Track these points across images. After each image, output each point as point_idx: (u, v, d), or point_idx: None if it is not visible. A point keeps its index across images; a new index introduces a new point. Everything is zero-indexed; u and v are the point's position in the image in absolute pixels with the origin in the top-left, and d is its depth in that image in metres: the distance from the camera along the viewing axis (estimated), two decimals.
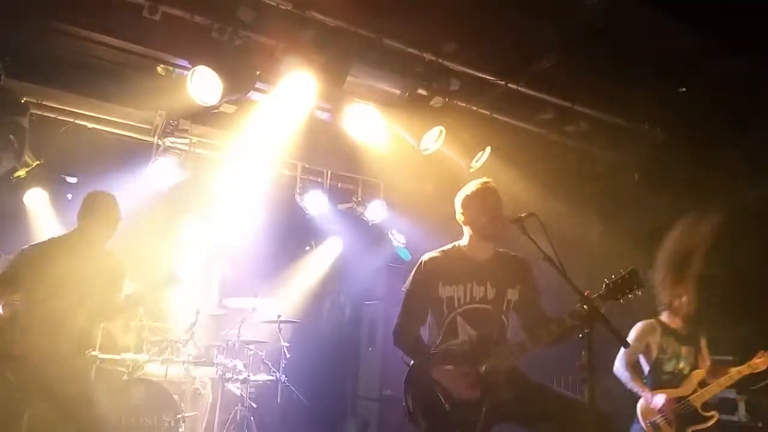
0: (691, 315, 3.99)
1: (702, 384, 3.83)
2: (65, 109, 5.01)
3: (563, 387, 5.47)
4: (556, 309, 2.90)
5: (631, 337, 3.98)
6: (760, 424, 4.27)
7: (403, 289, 3.03)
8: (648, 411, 3.80)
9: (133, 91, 4.80)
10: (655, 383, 3.92)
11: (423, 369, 2.84)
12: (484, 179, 3.04)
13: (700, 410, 3.76)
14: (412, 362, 2.92)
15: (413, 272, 3.01)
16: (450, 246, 3.06)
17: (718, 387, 3.80)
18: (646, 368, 4.03)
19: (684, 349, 3.95)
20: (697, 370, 3.89)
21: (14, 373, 3.10)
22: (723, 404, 4.16)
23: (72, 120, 5.08)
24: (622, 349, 3.94)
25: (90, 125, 5.16)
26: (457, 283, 2.91)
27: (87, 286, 3.38)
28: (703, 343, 4.03)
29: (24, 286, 3.33)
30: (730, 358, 4.40)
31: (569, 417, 2.60)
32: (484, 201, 2.96)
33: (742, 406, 4.33)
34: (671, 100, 4.53)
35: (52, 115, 5.00)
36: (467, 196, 3.02)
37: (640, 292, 2.62)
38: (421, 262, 3.01)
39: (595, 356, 2.37)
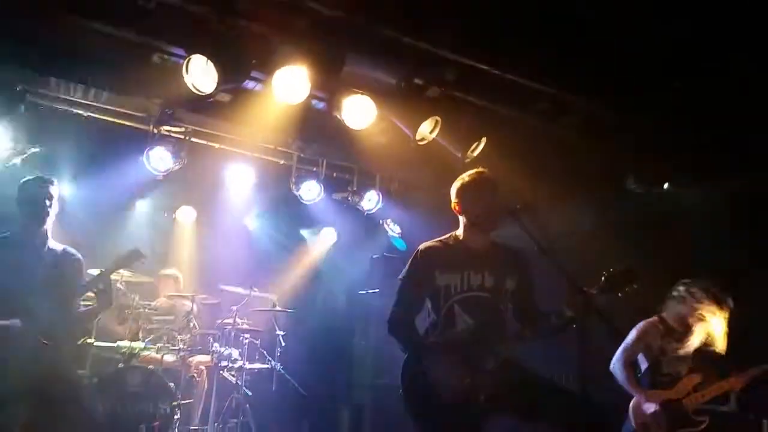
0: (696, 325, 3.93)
1: (696, 388, 3.83)
2: (60, 97, 4.98)
3: (562, 381, 5.54)
4: (547, 302, 2.93)
5: (632, 336, 3.99)
6: (751, 416, 4.30)
7: (398, 278, 3.03)
8: (640, 412, 3.80)
9: (129, 79, 4.78)
10: (651, 383, 3.92)
11: (417, 359, 2.83)
12: (480, 169, 3.05)
13: (691, 414, 3.78)
14: (407, 355, 2.91)
15: (410, 261, 3.01)
16: (447, 236, 3.07)
17: (710, 393, 3.81)
18: (643, 366, 4.02)
19: (683, 352, 3.93)
20: (693, 374, 3.87)
21: None
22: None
23: (67, 108, 5.05)
24: (621, 347, 3.96)
25: (85, 113, 5.13)
26: (454, 271, 2.91)
27: (38, 287, 3.32)
28: (702, 346, 4.01)
29: None
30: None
31: (565, 409, 2.63)
32: (480, 190, 2.97)
33: (733, 397, 4.37)
34: (665, 93, 4.53)
35: (48, 103, 4.97)
36: (462, 185, 3.04)
37: (635, 286, 2.64)
38: (418, 251, 3.01)
39: (596, 350, 2.39)
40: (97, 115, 5.17)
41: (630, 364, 3.96)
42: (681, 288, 4.03)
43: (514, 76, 4.64)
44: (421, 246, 3.03)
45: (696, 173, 4.84)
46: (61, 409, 3.23)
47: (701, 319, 3.88)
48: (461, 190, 3.03)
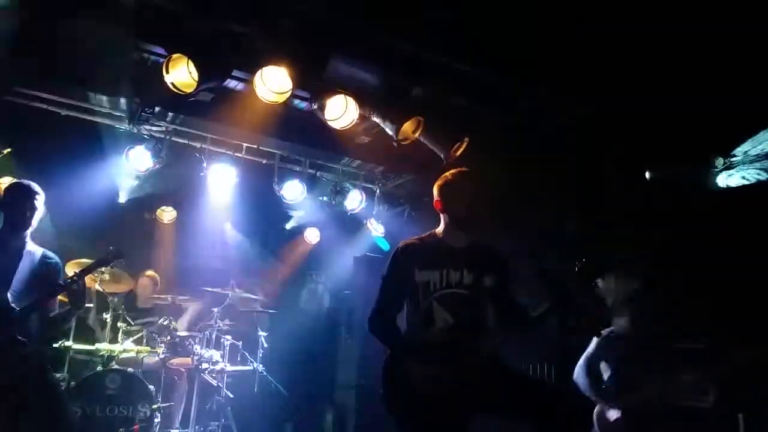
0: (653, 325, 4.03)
1: (660, 390, 3.84)
2: (38, 96, 4.90)
3: (542, 373, 5.58)
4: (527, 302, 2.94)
5: (591, 346, 4.01)
6: (728, 411, 4.36)
7: (380, 275, 3.02)
8: (603, 419, 3.83)
9: (109, 78, 4.72)
10: (616, 389, 3.93)
11: (399, 357, 2.83)
12: (463, 169, 3.06)
13: (653, 419, 3.78)
14: (388, 353, 2.90)
15: (390, 259, 3.01)
16: (426, 234, 3.07)
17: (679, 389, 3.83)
18: (606, 375, 4.05)
19: (644, 357, 3.97)
20: (654, 376, 3.85)
21: None
22: (694, 390, 4.22)
23: (45, 107, 4.97)
24: (583, 356, 4.00)
25: (63, 112, 5.05)
26: (433, 268, 2.91)
27: (15, 287, 3.29)
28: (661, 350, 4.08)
29: None
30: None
31: (546, 406, 2.63)
32: (461, 189, 2.98)
33: (711, 392, 4.42)
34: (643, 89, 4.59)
35: (25, 102, 4.89)
36: (444, 183, 3.04)
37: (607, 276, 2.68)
38: (397, 249, 3.01)
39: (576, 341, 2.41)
40: (76, 114, 5.10)
41: (592, 372, 3.98)
42: (601, 287, 4.11)
43: (496, 76, 4.67)
44: (401, 244, 3.02)
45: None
46: (37, 411, 3.19)
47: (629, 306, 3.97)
48: (443, 188, 3.04)
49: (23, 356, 3.25)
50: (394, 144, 4.76)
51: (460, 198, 2.96)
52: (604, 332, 3.95)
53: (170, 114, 5.24)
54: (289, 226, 7.31)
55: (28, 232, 3.51)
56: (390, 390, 2.83)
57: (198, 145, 5.58)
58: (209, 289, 5.96)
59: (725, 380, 3.91)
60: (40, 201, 3.50)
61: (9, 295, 3.25)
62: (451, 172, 3.05)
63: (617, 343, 4.01)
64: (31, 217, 3.45)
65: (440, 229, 3.06)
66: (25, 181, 3.55)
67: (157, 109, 5.07)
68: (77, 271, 3.49)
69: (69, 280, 3.41)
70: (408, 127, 4.69)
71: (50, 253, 3.58)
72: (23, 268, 3.39)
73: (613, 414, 3.80)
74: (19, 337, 3.21)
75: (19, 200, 3.43)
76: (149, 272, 6.18)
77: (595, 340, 4.00)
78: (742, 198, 4.30)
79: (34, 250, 3.52)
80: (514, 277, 3.03)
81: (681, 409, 3.87)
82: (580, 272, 2.68)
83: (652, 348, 4.03)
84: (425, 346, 2.81)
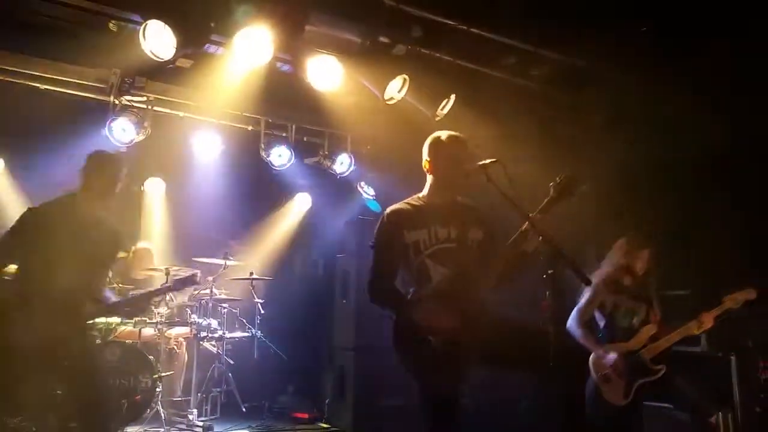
0: (644, 274, 4.10)
1: (652, 339, 3.95)
2: (15, 71, 4.79)
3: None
4: None
5: (585, 296, 4.06)
6: (719, 354, 4.46)
7: (369, 244, 3.05)
8: (600, 365, 3.92)
9: (86, 49, 4.63)
10: (609, 338, 4.04)
11: (404, 316, 2.84)
12: (454, 132, 3.04)
13: (649, 364, 3.90)
14: (395, 316, 2.90)
15: (378, 226, 3.03)
16: (411, 197, 3.10)
17: (666, 343, 3.94)
18: (601, 324, 4.14)
19: (636, 305, 4.06)
20: (647, 326, 3.99)
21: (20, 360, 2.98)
22: (687, 337, 4.30)
23: (23, 81, 4.87)
24: (577, 307, 4.06)
25: (42, 86, 4.95)
26: (421, 227, 2.94)
27: (87, 256, 3.23)
28: (654, 298, 4.14)
29: (20, 255, 3.19)
30: (684, 292, 4.60)
31: (538, 357, 2.66)
32: (449, 150, 2.97)
33: (704, 338, 4.51)
34: (633, 40, 4.53)
35: (2, 78, 4.78)
36: (433, 143, 3.03)
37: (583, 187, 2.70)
38: (384, 215, 3.04)
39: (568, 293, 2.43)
40: (54, 88, 5.00)
41: (585, 322, 4.06)
42: (620, 242, 4.17)
43: (481, 30, 4.59)
44: (387, 210, 3.05)
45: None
46: (80, 383, 3.15)
47: (638, 264, 4.07)
48: (431, 148, 3.03)
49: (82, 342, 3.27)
50: (381, 104, 4.72)
51: (447, 158, 2.96)
52: (595, 281, 4.00)
53: (151, 83, 5.14)
54: (278, 192, 7.27)
55: (105, 202, 3.44)
56: (405, 349, 2.84)
57: (181, 113, 5.50)
58: (202, 259, 5.96)
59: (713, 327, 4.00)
60: (123, 172, 3.45)
61: (81, 265, 3.18)
62: (443, 132, 3.04)
63: (609, 293, 4.08)
64: (114, 185, 3.40)
65: (425, 190, 3.08)
66: (111, 150, 3.50)
67: (136, 78, 4.98)
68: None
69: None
70: (393, 86, 4.63)
71: (117, 225, 3.56)
72: (93, 237, 3.32)
73: (609, 360, 3.88)
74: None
75: (106, 169, 3.38)
76: (143, 244, 6.16)
77: (587, 290, 4.05)
78: None
79: (105, 219, 3.48)
80: (499, 231, 3.05)
81: (676, 354, 3.95)
82: (557, 189, 2.70)
83: (643, 297, 4.11)
84: (428, 299, 2.83)
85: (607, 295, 4.07)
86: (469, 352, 2.70)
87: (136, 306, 3.49)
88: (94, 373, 3.28)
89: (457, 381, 2.74)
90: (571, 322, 4.05)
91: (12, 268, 3.29)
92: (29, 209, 3.32)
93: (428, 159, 3.03)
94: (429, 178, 3.07)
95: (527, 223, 2.67)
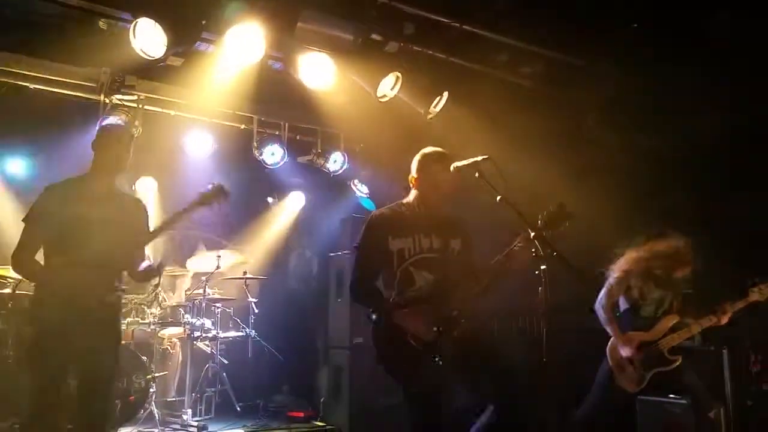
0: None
1: (672, 329, 3.96)
2: (3, 70, 4.75)
3: (525, 325, 5.69)
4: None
5: (615, 277, 4.08)
6: (712, 347, 4.48)
7: (354, 245, 3.14)
8: (616, 352, 3.97)
9: (75, 47, 4.60)
10: (629, 325, 4.05)
11: (385, 317, 2.92)
12: (441, 150, 3.11)
13: (666, 354, 3.91)
14: (375, 316, 2.98)
15: (363, 229, 3.10)
16: (395, 203, 3.19)
17: (686, 334, 3.95)
18: (623, 307, 4.16)
19: (663, 295, 4.07)
20: (669, 316, 3.99)
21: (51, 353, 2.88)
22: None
23: (12, 81, 4.82)
24: (605, 289, 4.08)
25: (32, 86, 4.91)
26: (406, 235, 3.03)
27: (110, 235, 3.06)
28: (680, 290, 4.13)
29: (43, 242, 3.05)
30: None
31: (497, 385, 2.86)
32: (435, 177, 3.06)
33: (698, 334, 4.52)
34: (624, 37, 4.54)
35: None
36: (421, 162, 3.13)
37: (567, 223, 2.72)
38: (370, 219, 3.12)
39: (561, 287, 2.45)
40: (44, 87, 4.96)
41: (612, 306, 4.09)
42: (677, 240, 4.10)
43: (473, 27, 4.59)
44: (373, 214, 3.14)
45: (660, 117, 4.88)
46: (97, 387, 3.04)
47: (679, 272, 4.03)
48: (420, 168, 3.12)
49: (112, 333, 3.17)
50: (374, 102, 4.71)
51: (432, 180, 3.06)
52: (626, 265, 4.05)
53: (142, 81, 5.10)
54: (271, 191, 7.24)
55: (118, 176, 3.35)
56: (385, 349, 2.95)
57: (172, 112, 5.46)
58: (196, 259, 5.94)
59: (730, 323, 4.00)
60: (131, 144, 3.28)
61: (98, 243, 3.01)
62: (432, 151, 3.11)
63: (637, 277, 4.08)
64: (125, 159, 3.25)
65: (409, 198, 3.18)
66: (121, 120, 3.35)
67: (127, 77, 4.94)
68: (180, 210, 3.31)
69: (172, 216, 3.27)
70: (386, 83, 4.62)
71: (139, 197, 3.46)
72: (111, 214, 3.15)
73: (626, 348, 3.92)
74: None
75: (113, 141, 3.21)
76: None
77: (615, 273, 4.09)
78: None
79: (122, 194, 3.40)
80: (474, 243, 3.18)
81: (674, 348, 3.97)
82: (545, 220, 2.72)
83: (670, 287, 4.09)
84: (410, 301, 2.92)
85: (636, 279, 4.08)
86: (448, 352, 2.79)
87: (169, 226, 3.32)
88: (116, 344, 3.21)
89: (438, 380, 2.80)
90: (598, 304, 4.08)
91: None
92: (45, 188, 3.14)
93: (415, 176, 3.13)
94: (413, 191, 3.17)
95: (519, 238, 2.75)
